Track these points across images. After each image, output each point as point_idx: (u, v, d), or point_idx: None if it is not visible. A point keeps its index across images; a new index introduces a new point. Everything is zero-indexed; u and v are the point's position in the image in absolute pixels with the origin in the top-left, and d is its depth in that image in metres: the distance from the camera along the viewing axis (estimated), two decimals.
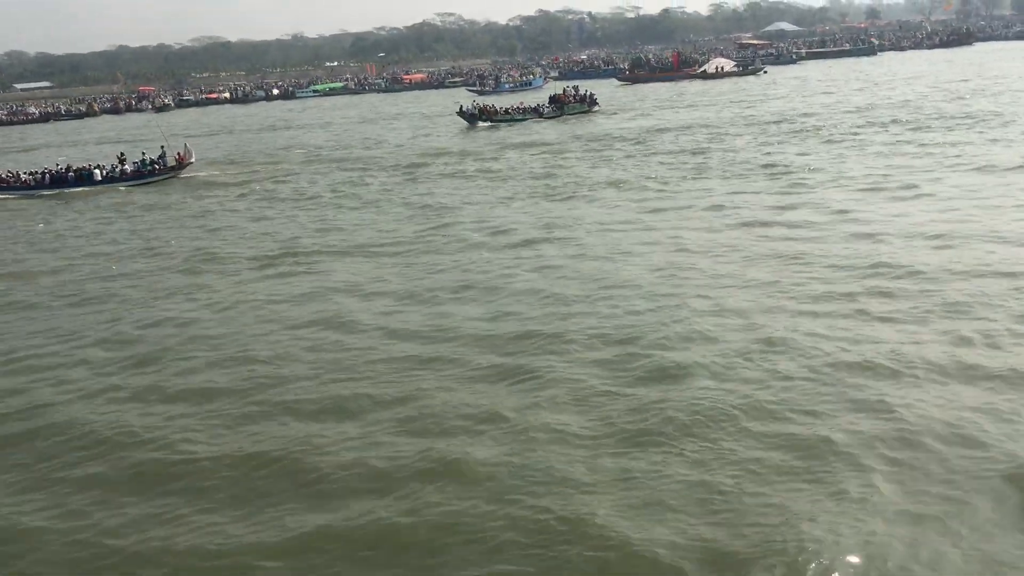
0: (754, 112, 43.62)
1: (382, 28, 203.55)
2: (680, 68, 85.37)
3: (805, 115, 39.78)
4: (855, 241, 15.69)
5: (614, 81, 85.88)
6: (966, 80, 53.05)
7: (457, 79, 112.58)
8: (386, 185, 28.28)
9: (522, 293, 14.10)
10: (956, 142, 27.38)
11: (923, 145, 27.37)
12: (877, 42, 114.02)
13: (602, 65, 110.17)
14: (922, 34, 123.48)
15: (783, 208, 19.27)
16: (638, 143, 34.44)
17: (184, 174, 33.56)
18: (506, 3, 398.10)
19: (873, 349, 10.49)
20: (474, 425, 9.35)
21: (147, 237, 21.91)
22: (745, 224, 17.92)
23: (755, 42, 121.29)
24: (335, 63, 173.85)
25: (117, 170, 33.10)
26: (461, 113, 48.82)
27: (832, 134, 32.01)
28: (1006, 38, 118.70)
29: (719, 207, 19.99)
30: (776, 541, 6.83)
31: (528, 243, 17.75)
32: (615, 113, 50.27)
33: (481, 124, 47.24)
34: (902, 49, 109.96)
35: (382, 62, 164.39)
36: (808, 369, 10.09)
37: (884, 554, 6.64)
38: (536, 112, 48.96)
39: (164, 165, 33.39)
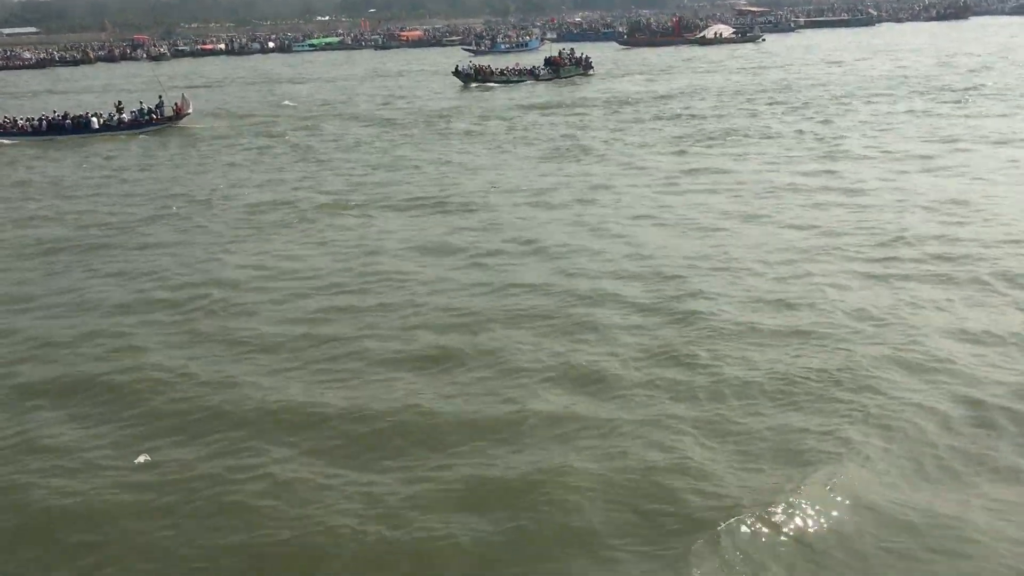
0: (785, 79, 43.84)
1: None
2: (681, 33, 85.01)
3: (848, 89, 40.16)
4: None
5: (614, 44, 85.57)
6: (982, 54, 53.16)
7: (454, 38, 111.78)
8: (395, 140, 28.57)
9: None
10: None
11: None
12: (875, 13, 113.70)
13: (601, 28, 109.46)
14: (920, 6, 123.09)
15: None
16: (655, 105, 34.71)
17: (181, 124, 33.73)
18: None
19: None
20: (560, 374, 9.67)
21: (176, 183, 22.30)
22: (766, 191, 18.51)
23: (753, 9, 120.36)
24: (326, 17, 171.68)
25: (115, 119, 33.20)
26: (457, 73, 48.80)
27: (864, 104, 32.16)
28: (1002, 12, 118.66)
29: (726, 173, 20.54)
30: None
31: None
32: (623, 76, 50.30)
33: (476, 84, 47.30)
34: (900, 20, 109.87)
35: (374, 18, 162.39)
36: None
37: None
38: (532, 74, 48.98)
39: (161, 115, 33.52)
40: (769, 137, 25.36)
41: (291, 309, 12.06)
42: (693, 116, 31.06)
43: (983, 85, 35.49)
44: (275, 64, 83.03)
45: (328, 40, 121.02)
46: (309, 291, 12.80)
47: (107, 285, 13.68)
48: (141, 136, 32.02)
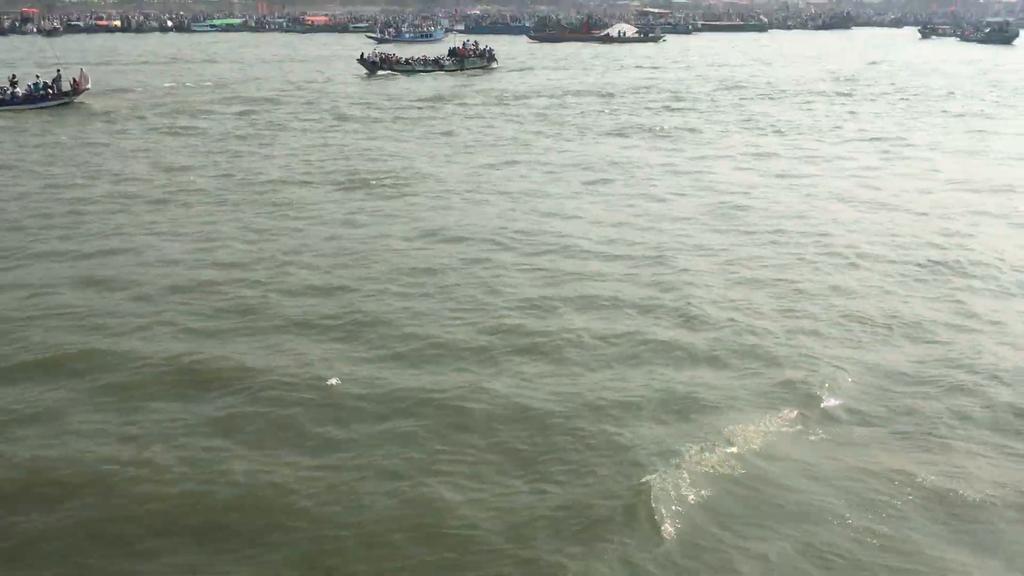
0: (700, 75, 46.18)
1: None
2: (589, 31, 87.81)
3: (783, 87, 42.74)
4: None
5: (524, 38, 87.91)
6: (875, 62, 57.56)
7: (361, 24, 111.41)
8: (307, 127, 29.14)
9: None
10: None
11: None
12: (766, 20, 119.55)
13: (509, 21, 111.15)
14: (807, 15, 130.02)
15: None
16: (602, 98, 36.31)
17: (80, 100, 33.32)
18: None
19: None
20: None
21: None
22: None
23: (654, 10, 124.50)
24: None
25: (8, 93, 32.48)
26: (362, 60, 49.12)
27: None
28: (881, 24, 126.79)
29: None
30: None
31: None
32: (532, 69, 51.77)
33: (381, 72, 47.88)
34: (788, 28, 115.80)
35: (271, 1, 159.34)
36: None
37: None
38: (437, 64, 49.88)
39: (59, 90, 33.01)
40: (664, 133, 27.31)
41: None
42: (598, 109, 32.70)
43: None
44: (178, 43, 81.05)
45: (230, 21, 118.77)
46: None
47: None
48: (36, 111, 31.50)
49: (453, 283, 12.50)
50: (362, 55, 49.90)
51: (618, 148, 24.27)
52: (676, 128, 28.03)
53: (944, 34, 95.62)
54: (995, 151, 23.62)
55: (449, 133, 27.16)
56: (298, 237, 15.01)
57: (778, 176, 20.30)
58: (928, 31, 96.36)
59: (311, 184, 19.47)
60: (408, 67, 48.99)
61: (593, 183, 19.47)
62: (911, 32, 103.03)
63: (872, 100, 35.86)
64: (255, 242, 14.70)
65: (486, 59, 52.17)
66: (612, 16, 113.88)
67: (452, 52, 51.82)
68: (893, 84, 42.29)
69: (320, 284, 12.46)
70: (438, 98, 36.60)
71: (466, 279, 12.68)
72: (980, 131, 27.17)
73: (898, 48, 74.28)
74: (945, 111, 32.20)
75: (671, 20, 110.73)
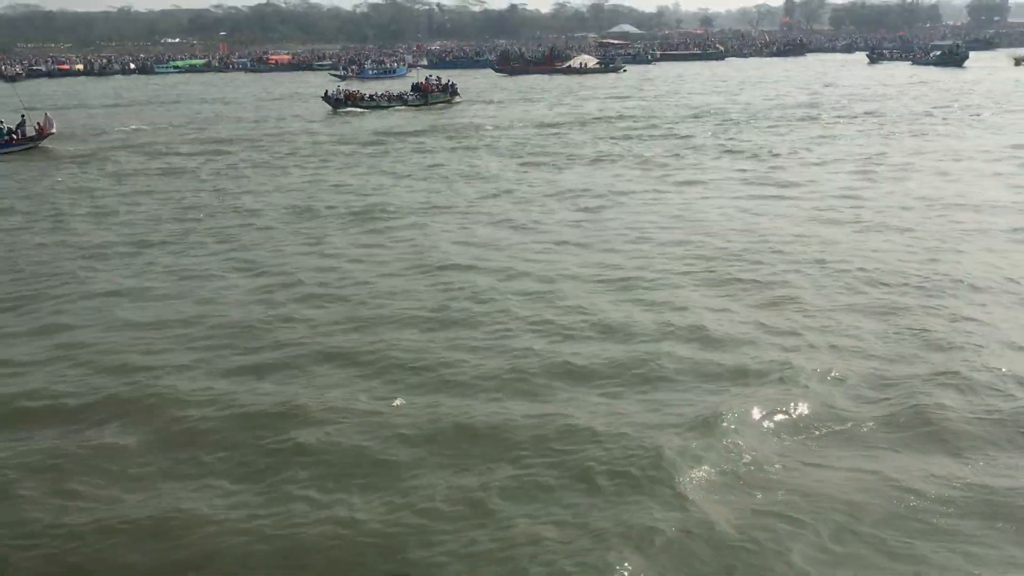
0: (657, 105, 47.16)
1: (219, 6, 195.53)
2: (552, 63, 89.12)
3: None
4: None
5: (489, 71, 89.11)
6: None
7: (325, 62, 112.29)
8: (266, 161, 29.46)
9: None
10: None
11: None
12: (722, 48, 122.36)
13: (473, 56, 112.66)
14: (762, 42, 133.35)
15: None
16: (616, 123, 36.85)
17: (45, 144, 33.37)
18: None
19: None
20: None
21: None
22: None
23: (614, 41, 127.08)
24: (176, 40, 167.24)
25: None
26: (327, 98, 49.56)
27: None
28: (834, 50, 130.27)
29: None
30: None
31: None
32: (489, 103, 52.43)
33: (344, 109, 48.36)
34: (744, 56, 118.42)
35: (228, 41, 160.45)
36: None
37: None
38: (401, 100, 50.44)
39: (23, 135, 33.07)
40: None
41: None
42: (561, 140, 33.29)
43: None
44: (143, 85, 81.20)
45: (193, 62, 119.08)
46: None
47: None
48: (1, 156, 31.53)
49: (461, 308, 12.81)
50: (326, 92, 50.32)
51: (610, 177, 24.59)
52: (659, 155, 28.61)
53: (892, 58, 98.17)
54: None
55: (436, 165, 27.55)
56: (294, 272, 15.18)
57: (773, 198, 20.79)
58: (876, 56, 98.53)
59: (304, 220, 19.71)
60: (373, 103, 49.51)
61: (586, 210, 19.89)
62: (861, 56, 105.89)
63: (850, 121, 36.74)
64: (250, 275, 15.03)
65: (449, 93, 52.83)
66: (572, 48, 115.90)
67: (415, 87, 52.45)
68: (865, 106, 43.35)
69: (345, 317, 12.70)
70: (405, 133, 37.09)
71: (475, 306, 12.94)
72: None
73: (854, 72, 76.40)
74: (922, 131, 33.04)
75: (631, 51, 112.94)
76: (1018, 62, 77.43)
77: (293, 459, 8.44)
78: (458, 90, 53.81)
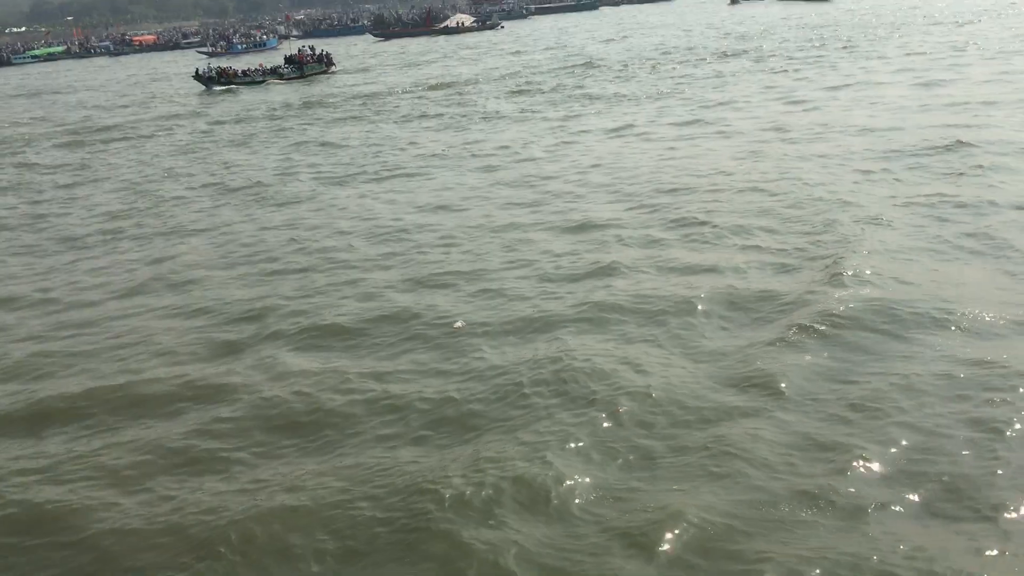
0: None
1: None
2: (431, 24, 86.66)
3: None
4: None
5: (369, 37, 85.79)
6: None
7: (193, 40, 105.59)
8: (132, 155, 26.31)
9: None
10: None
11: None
12: None
13: (348, 22, 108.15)
14: None
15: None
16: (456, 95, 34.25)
17: None
18: None
19: None
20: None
21: None
22: None
23: None
24: (21, 28, 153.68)
25: None
26: (198, 77, 45.71)
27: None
28: None
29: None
30: None
31: None
32: (367, 70, 49.85)
33: (218, 87, 44.87)
34: (617, 4, 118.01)
35: (77, 25, 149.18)
36: None
37: None
38: (275, 73, 47.10)
39: None
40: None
41: None
42: (446, 103, 31.10)
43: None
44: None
45: (52, 50, 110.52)
46: None
47: None
48: None
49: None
50: (197, 71, 46.42)
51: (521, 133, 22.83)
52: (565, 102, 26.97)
53: None
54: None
55: (329, 143, 24.54)
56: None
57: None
58: None
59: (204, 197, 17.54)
60: (248, 79, 46.05)
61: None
62: None
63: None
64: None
65: (325, 64, 49.86)
66: (452, 7, 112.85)
67: (290, 59, 49.00)
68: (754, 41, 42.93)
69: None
70: (291, 106, 34.27)
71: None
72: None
73: (729, 11, 76.81)
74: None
75: (505, 7, 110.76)
76: None
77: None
78: (334, 59, 50.86)
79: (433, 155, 20.97)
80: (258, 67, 47.63)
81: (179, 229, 15.63)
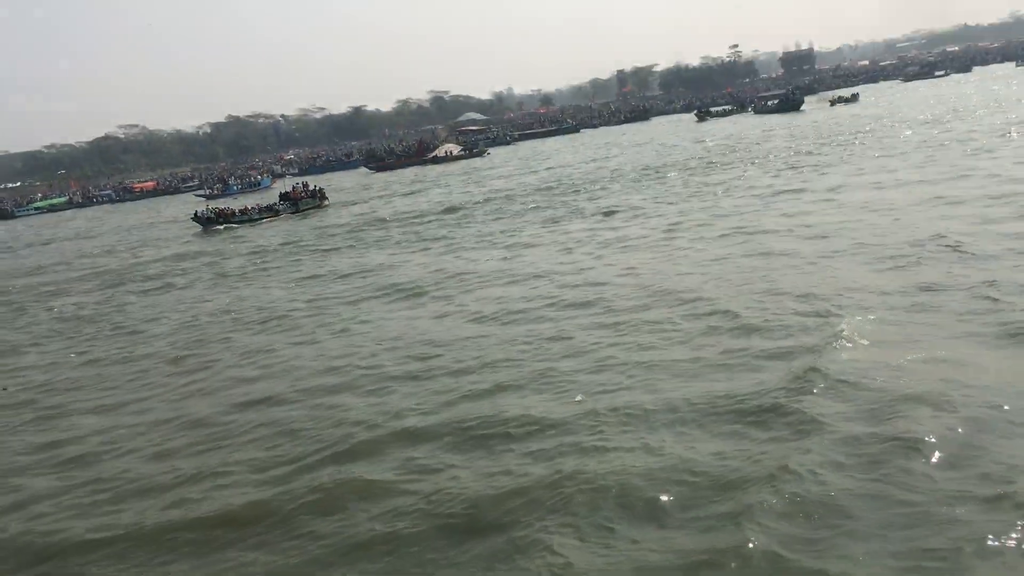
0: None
1: (51, 146, 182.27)
2: (424, 154, 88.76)
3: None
4: None
5: (363, 170, 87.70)
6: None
7: (192, 184, 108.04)
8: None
9: None
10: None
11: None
12: (572, 122, 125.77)
13: (343, 158, 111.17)
14: (608, 113, 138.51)
15: None
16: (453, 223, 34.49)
17: None
18: (188, 110, 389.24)
19: None
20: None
21: None
22: None
23: (474, 128, 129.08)
24: (16, 184, 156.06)
25: None
26: (197, 218, 46.35)
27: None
28: (674, 111, 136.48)
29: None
30: None
31: None
32: (354, 204, 50.49)
33: (217, 227, 45.20)
34: (595, 126, 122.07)
35: (70, 178, 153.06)
36: None
37: None
38: (271, 210, 47.67)
39: None
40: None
41: None
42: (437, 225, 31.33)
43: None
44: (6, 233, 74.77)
45: (54, 201, 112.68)
46: None
47: None
48: None
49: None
50: (196, 213, 47.02)
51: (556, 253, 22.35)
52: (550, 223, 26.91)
53: (723, 114, 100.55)
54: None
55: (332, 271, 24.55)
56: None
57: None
58: (704, 113, 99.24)
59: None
60: (245, 217, 46.50)
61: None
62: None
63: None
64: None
65: (318, 198, 50.57)
66: (439, 138, 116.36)
67: (284, 196, 49.69)
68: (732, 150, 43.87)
69: None
70: (294, 242, 34.29)
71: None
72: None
73: (702, 128, 79.23)
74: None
75: (489, 135, 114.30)
76: (832, 103, 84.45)
77: None
78: (326, 194, 51.64)
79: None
80: (254, 206, 48.09)
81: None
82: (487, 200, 39.55)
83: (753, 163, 38.35)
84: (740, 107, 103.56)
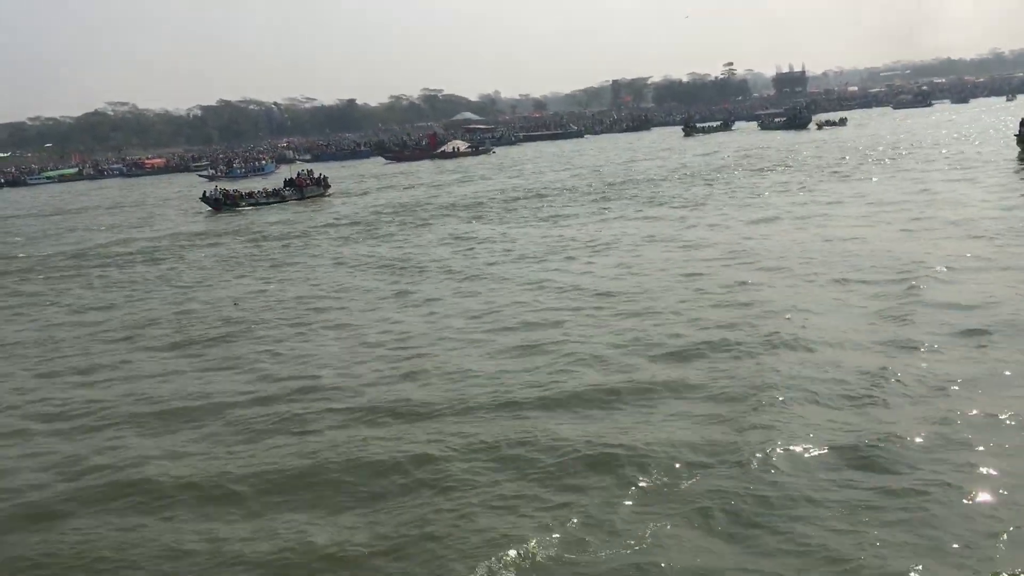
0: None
1: (36, 118, 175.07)
2: (436, 148, 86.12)
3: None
4: None
5: (379, 160, 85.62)
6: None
7: (202, 163, 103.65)
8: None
9: None
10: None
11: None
12: (576, 128, 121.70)
13: (355, 147, 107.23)
14: (610, 120, 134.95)
15: None
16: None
17: None
18: (181, 92, 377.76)
19: None
20: None
21: None
22: None
23: (481, 127, 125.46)
24: (6, 154, 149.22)
25: None
26: (205, 199, 42.76)
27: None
28: (673, 123, 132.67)
29: None
30: None
31: None
32: (365, 194, 46.76)
33: (227, 209, 41.36)
34: (597, 133, 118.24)
35: (54, 152, 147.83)
36: None
37: None
38: (278, 195, 44.16)
39: None
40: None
41: None
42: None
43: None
44: (18, 199, 70.70)
45: (65, 172, 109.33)
46: None
47: None
48: None
49: None
50: (204, 193, 43.49)
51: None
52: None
53: (710, 130, 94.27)
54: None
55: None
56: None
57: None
58: (691, 128, 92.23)
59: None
60: (253, 200, 42.83)
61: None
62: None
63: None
64: None
65: (323, 186, 46.96)
66: (448, 134, 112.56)
67: (290, 182, 46.25)
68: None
69: None
70: (299, 225, 30.71)
71: None
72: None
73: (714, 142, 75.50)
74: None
75: (495, 134, 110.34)
76: (820, 126, 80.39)
77: None
78: (329, 182, 47.94)
79: None
80: (261, 190, 44.63)
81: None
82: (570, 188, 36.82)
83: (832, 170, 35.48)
84: (724, 124, 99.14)
